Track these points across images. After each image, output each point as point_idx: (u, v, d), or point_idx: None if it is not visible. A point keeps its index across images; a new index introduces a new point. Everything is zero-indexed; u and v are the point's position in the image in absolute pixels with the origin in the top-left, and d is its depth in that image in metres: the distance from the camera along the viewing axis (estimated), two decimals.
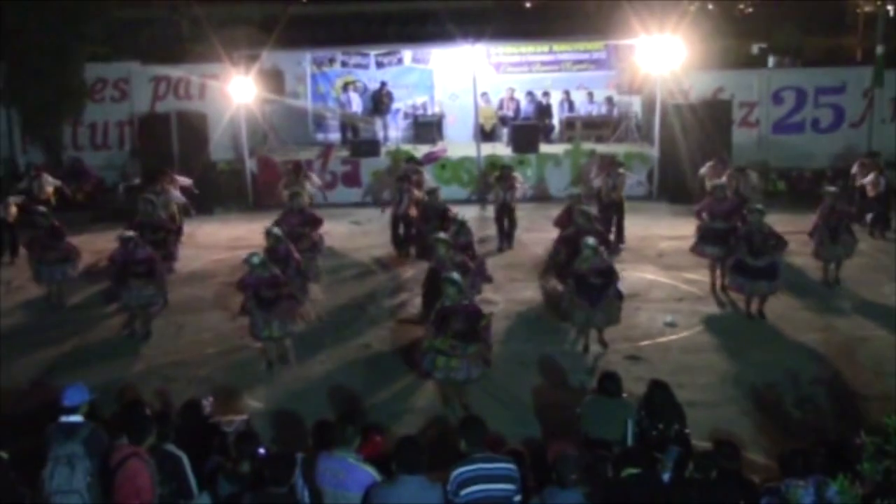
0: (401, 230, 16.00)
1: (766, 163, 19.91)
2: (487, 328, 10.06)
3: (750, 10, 44.09)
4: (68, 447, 6.30)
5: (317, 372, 11.28)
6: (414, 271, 14.80)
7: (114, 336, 12.59)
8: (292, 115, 22.73)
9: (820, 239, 13.71)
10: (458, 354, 9.63)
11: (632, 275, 14.21)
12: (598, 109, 22.54)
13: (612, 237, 15.34)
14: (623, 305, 11.69)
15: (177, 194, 16.25)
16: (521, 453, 6.93)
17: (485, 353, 9.91)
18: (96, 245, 16.00)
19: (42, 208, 14.42)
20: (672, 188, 19.58)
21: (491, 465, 6.10)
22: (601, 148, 20.46)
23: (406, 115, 22.87)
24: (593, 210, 14.59)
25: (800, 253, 14.54)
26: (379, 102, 22.35)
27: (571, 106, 22.46)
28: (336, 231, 17.42)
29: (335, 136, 22.80)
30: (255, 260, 11.10)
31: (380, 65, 23.18)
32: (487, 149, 20.56)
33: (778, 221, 13.02)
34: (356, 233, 17.85)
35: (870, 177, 16.56)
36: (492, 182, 17.12)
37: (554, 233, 14.20)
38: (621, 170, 16.32)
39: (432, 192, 15.01)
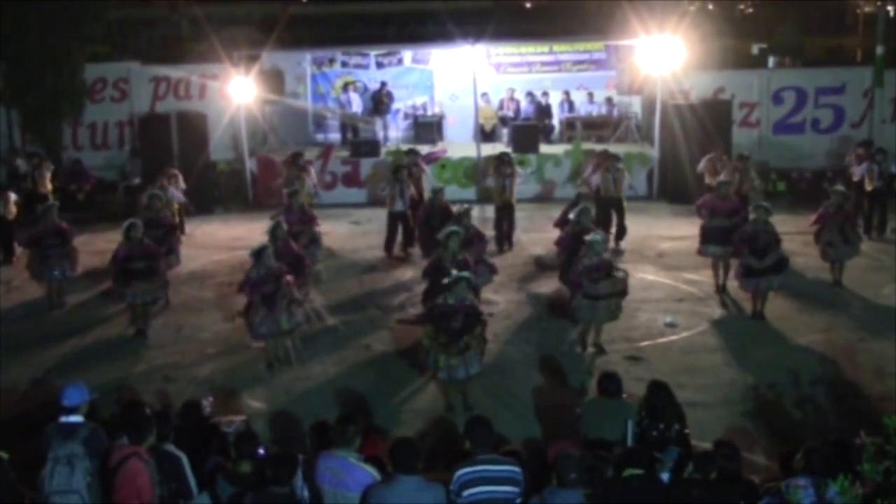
0: (398, 231, 15.96)
1: (767, 163, 19.90)
2: (484, 324, 10.23)
3: (750, 10, 44.16)
4: (68, 447, 6.29)
5: (316, 372, 11.28)
6: (414, 272, 14.79)
7: (114, 336, 12.58)
8: (292, 115, 22.73)
9: (829, 239, 13.67)
10: (454, 352, 9.69)
11: (632, 275, 14.16)
12: (599, 110, 22.55)
13: (611, 237, 15.36)
14: (623, 305, 11.66)
15: (177, 193, 16.25)
16: (518, 453, 6.91)
17: (480, 345, 10.00)
18: (96, 245, 16.00)
19: (51, 202, 14.41)
20: (672, 188, 19.58)
21: (495, 468, 6.10)
22: (601, 148, 20.42)
23: (406, 116, 22.87)
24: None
25: (800, 253, 14.54)
26: (379, 103, 22.34)
27: (571, 106, 22.47)
28: (336, 231, 17.43)
29: (335, 137, 22.80)
30: (258, 248, 11.17)
31: (380, 65, 23.19)
32: (487, 149, 20.52)
33: (778, 222, 12.98)
34: (356, 233, 17.84)
35: (863, 166, 16.54)
36: (490, 171, 16.87)
37: (554, 233, 14.21)
38: (620, 165, 16.30)
39: (437, 192, 14.98)
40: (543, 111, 22.18)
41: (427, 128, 22.06)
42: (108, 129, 21.77)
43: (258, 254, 11.10)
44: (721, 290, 13.69)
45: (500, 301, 13.44)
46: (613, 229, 15.92)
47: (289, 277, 11.22)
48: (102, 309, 13.50)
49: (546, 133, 21.86)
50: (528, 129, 20.94)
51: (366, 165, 20.36)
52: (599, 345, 11.53)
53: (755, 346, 11.71)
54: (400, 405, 10.32)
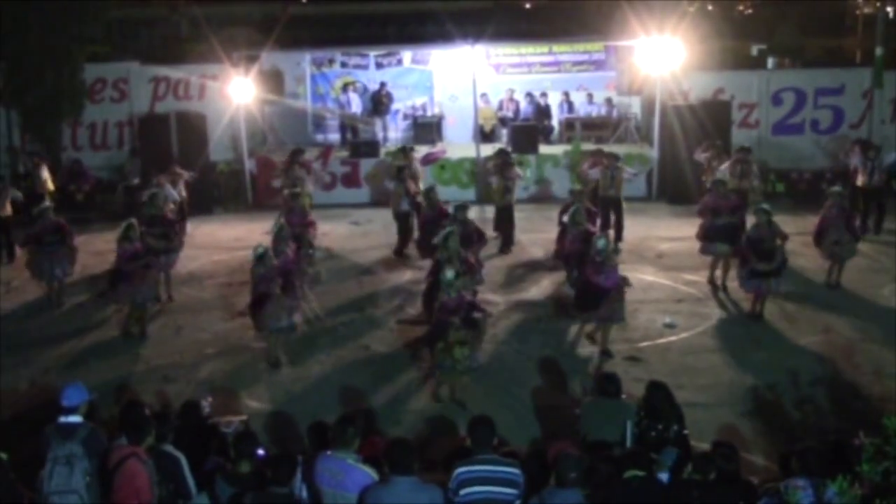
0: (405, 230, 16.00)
1: (766, 164, 19.89)
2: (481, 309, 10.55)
3: (749, 11, 44.14)
4: (67, 447, 6.29)
5: (315, 373, 11.28)
6: (413, 272, 14.80)
7: (113, 336, 12.57)
8: (292, 115, 22.72)
9: (836, 238, 13.66)
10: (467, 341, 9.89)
11: (631, 276, 14.15)
12: (598, 110, 22.55)
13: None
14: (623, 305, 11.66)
15: (172, 192, 16.21)
16: (517, 454, 6.91)
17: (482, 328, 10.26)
18: (96, 245, 16.00)
19: (47, 203, 14.42)
20: (672, 189, 19.59)
21: (494, 468, 6.09)
22: (598, 149, 20.44)
23: (405, 116, 22.87)
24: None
25: (800, 253, 14.55)
26: (378, 103, 22.35)
27: (571, 107, 22.47)
28: (335, 232, 17.44)
29: (335, 137, 22.79)
30: (260, 251, 11.19)
31: (379, 65, 23.19)
32: (487, 150, 20.51)
33: (778, 222, 12.98)
34: (356, 233, 17.84)
35: (857, 158, 16.55)
36: (492, 170, 16.80)
37: (553, 233, 14.25)
38: (620, 163, 16.31)
39: (430, 191, 14.98)
40: (542, 112, 22.18)
41: (426, 128, 22.07)
42: (107, 129, 21.75)
43: (261, 257, 11.14)
44: (722, 288, 13.74)
45: (499, 301, 13.44)
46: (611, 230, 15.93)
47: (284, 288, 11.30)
48: (102, 309, 13.48)
49: (545, 134, 21.87)
50: (528, 129, 20.95)
51: (366, 166, 20.36)
52: (607, 349, 11.51)
53: (754, 347, 11.72)
54: (399, 405, 10.32)
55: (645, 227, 17.27)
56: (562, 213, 13.81)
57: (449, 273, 10.13)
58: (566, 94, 22.46)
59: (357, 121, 22.46)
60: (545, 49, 23.04)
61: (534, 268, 15.18)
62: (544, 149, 20.82)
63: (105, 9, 21.88)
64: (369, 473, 6.03)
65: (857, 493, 5.23)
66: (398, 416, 9.98)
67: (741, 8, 44.41)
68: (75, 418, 6.48)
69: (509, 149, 20.21)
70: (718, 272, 13.95)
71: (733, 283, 13.35)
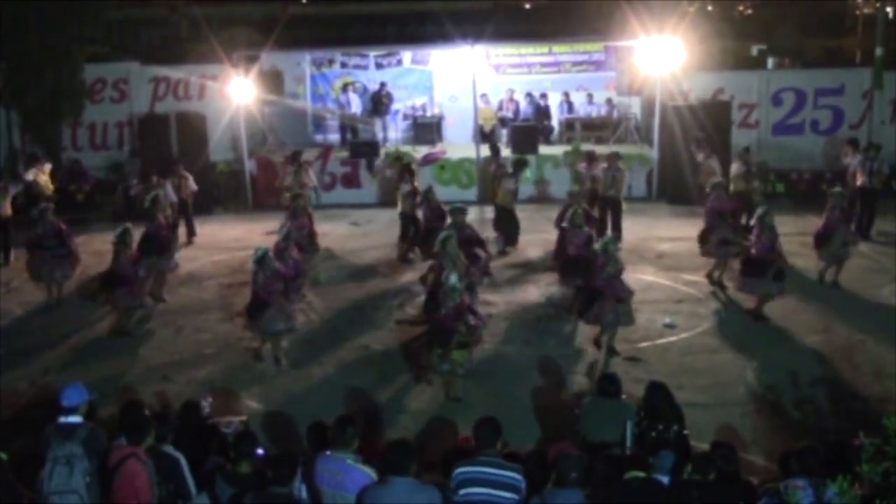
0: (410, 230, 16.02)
1: (766, 164, 19.91)
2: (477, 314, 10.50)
3: (749, 11, 44.17)
4: (67, 447, 6.29)
5: (315, 373, 11.28)
6: (413, 272, 14.80)
7: (113, 336, 12.57)
8: (291, 116, 22.72)
9: (844, 240, 13.67)
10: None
11: (631, 276, 14.17)
12: (598, 111, 22.55)
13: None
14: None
15: (171, 193, 16.22)
16: (517, 455, 6.90)
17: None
18: (95, 246, 16.00)
19: (47, 203, 14.43)
20: (672, 189, 19.59)
21: (495, 471, 6.07)
22: (601, 149, 20.45)
23: (405, 117, 22.87)
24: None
25: (800, 254, 14.54)
26: (378, 103, 22.35)
27: (571, 107, 22.47)
28: (335, 232, 17.43)
29: (334, 137, 22.79)
30: (260, 253, 11.22)
31: (379, 66, 23.19)
32: (487, 150, 20.53)
33: (778, 223, 12.98)
34: (355, 234, 17.84)
35: (857, 159, 16.59)
36: (499, 172, 16.72)
37: (552, 234, 14.23)
38: (621, 164, 16.33)
39: (428, 192, 14.98)
40: (542, 112, 22.18)
41: (426, 129, 22.06)
42: (107, 129, 21.76)
43: (261, 260, 11.17)
44: (720, 287, 13.77)
45: (498, 302, 13.44)
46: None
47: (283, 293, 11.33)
48: (101, 309, 13.48)
49: (545, 134, 21.87)
50: (528, 130, 20.94)
51: (365, 166, 20.34)
52: (612, 347, 11.51)
53: (754, 347, 11.71)
54: (399, 406, 10.31)
55: (645, 228, 17.27)
56: (560, 217, 13.80)
57: (453, 278, 10.10)
58: (566, 95, 22.46)
59: (357, 121, 22.46)
60: (545, 49, 23.04)
61: (534, 268, 15.18)
62: (544, 149, 20.81)
63: (105, 9, 21.90)
64: (369, 473, 6.03)
65: (856, 493, 5.23)
66: (398, 417, 9.97)
67: (741, 8, 44.45)
68: (75, 418, 6.48)
69: (509, 150, 20.28)
70: (717, 272, 13.96)
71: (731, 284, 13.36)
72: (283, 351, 11.47)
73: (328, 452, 6.22)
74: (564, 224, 13.29)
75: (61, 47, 20.00)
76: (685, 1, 28.68)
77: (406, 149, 21.17)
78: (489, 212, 17.31)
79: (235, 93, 19.64)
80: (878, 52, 19.96)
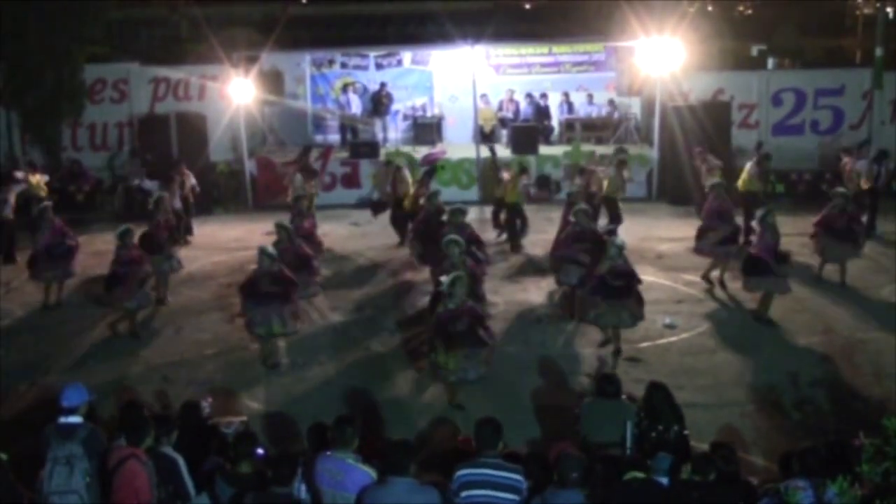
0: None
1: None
2: (488, 329, 10.14)
3: (749, 11, 44.17)
4: (67, 448, 6.29)
5: (315, 373, 11.27)
6: (413, 273, 14.80)
7: (113, 336, 12.57)
8: (292, 116, 22.74)
9: (865, 240, 13.84)
10: (462, 355, 9.71)
11: None
12: (598, 111, 22.55)
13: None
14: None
15: (177, 197, 16.23)
16: (518, 455, 6.90)
17: (488, 356, 9.95)
18: (95, 246, 16.00)
19: (46, 203, 14.43)
20: (672, 189, 19.59)
21: (497, 473, 6.06)
22: (601, 149, 20.48)
23: (405, 117, 22.87)
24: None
25: (799, 253, 14.54)
26: (378, 104, 22.35)
27: (571, 107, 22.47)
28: (335, 233, 17.44)
29: (334, 138, 22.79)
30: (270, 250, 11.27)
31: (379, 66, 23.18)
32: (487, 150, 20.55)
33: (778, 223, 12.97)
34: (356, 234, 17.84)
35: (861, 162, 16.62)
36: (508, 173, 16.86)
37: (551, 234, 14.23)
38: (626, 172, 16.42)
39: (433, 196, 14.97)
40: (542, 112, 22.18)
41: (426, 129, 22.08)
42: (107, 129, 21.76)
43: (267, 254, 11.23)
44: (720, 285, 13.78)
45: (499, 302, 13.44)
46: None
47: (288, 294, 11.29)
48: (102, 309, 13.48)
49: (545, 134, 21.87)
50: (528, 130, 20.95)
51: (365, 166, 20.35)
52: (618, 348, 11.50)
53: (754, 348, 11.71)
54: (399, 406, 10.32)
55: (645, 228, 17.28)
56: (567, 213, 13.79)
57: (444, 280, 10.04)
58: (566, 95, 22.46)
59: (357, 121, 22.46)
60: (545, 50, 23.03)
61: (534, 268, 15.18)
62: (544, 149, 20.81)
63: (105, 9, 21.90)
64: (369, 473, 6.03)
65: (857, 493, 5.22)
66: (398, 417, 9.97)
67: (741, 8, 44.46)
68: (75, 419, 6.48)
69: (509, 150, 20.30)
70: (716, 273, 13.96)
71: (735, 284, 13.34)
72: (278, 352, 11.45)
73: (328, 452, 6.22)
74: (572, 217, 13.22)
75: (61, 47, 20.00)
76: (685, 1, 28.70)
77: (406, 149, 21.17)
78: (489, 212, 17.32)
79: (235, 93, 19.64)
80: (878, 52, 19.97)
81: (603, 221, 15.94)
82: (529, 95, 22.49)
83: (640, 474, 6.20)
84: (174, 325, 12.97)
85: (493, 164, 17.13)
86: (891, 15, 28.94)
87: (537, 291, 14.05)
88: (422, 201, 15.41)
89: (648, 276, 14.49)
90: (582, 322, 12.09)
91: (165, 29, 34.50)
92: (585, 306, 11.73)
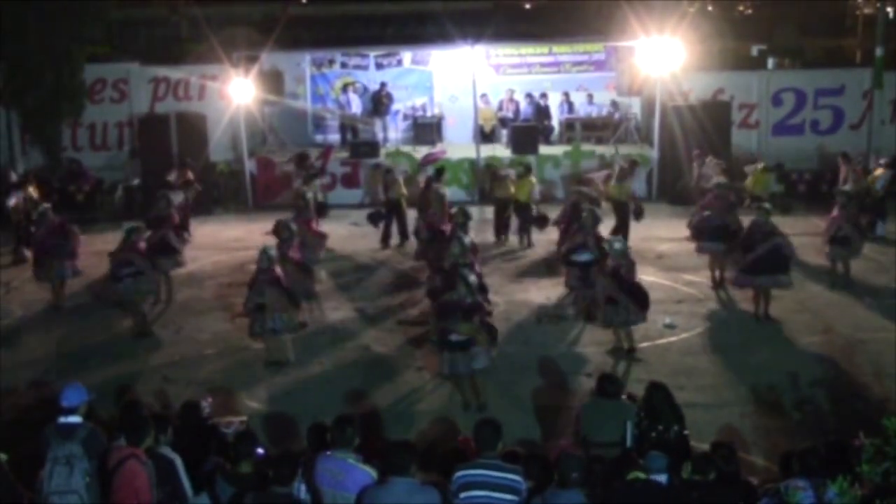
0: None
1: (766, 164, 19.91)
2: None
3: (749, 11, 44.17)
4: (67, 448, 6.28)
5: (315, 373, 11.27)
6: (412, 273, 14.81)
7: (113, 336, 12.58)
8: (292, 116, 22.73)
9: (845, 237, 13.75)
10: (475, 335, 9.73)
11: None
12: (598, 111, 22.54)
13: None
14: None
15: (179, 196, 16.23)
16: (518, 455, 6.90)
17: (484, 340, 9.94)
18: (96, 245, 15.97)
19: (46, 206, 14.44)
20: (671, 190, 19.59)
21: (495, 474, 6.04)
22: (601, 149, 20.48)
23: (405, 117, 22.86)
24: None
25: (800, 254, 14.52)
26: (378, 104, 22.34)
27: (571, 107, 22.46)
28: (335, 232, 17.39)
29: (335, 138, 22.77)
30: (272, 252, 11.26)
31: (379, 66, 23.17)
32: (487, 150, 20.56)
33: (778, 223, 12.98)
34: (356, 234, 17.83)
35: (887, 173, 16.66)
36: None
37: (551, 234, 14.23)
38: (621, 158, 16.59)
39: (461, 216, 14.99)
40: (542, 112, 22.17)
41: (426, 129, 22.06)
42: (107, 129, 21.77)
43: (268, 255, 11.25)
44: (720, 285, 13.78)
45: (499, 302, 13.43)
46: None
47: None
48: (102, 309, 13.50)
49: (545, 134, 21.86)
50: (528, 130, 20.94)
51: (365, 166, 20.35)
52: (620, 347, 11.49)
53: (754, 348, 11.72)
54: (399, 406, 10.32)
55: (645, 228, 17.20)
56: (571, 214, 13.78)
57: (472, 277, 10.07)
58: (566, 95, 22.44)
59: (357, 121, 22.45)
60: (545, 49, 23.01)
61: (534, 268, 15.17)
62: (544, 149, 20.80)
63: (105, 9, 21.92)
64: (370, 473, 6.03)
65: (857, 493, 5.22)
66: (398, 417, 9.97)
67: (741, 8, 44.47)
68: (75, 419, 6.47)
69: (509, 150, 20.30)
70: (716, 272, 13.98)
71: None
72: (287, 349, 11.46)
73: (329, 452, 6.22)
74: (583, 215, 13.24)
75: (61, 47, 20.01)
76: (685, 1, 28.70)
77: (406, 149, 21.17)
78: (489, 212, 17.32)
79: (235, 93, 19.65)
80: (879, 51, 19.99)
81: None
82: (529, 95, 22.48)
83: (642, 474, 6.19)
84: (174, 325, 12.97)
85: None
86: (891, 15, 28.94)
87: (537, 291, 14.05)
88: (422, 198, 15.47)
89: (648, 276, 14.50)
90: (591, 323, 12.09)
91: (165, 29, 34.47)
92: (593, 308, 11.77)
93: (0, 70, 20.28)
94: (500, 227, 16.92)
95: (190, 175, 17.28)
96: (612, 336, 11.68)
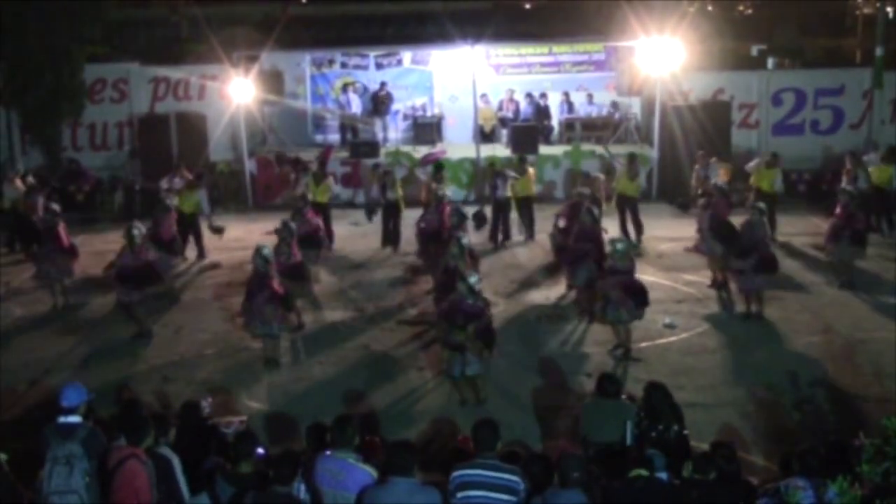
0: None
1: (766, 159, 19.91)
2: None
3: (749, 11, 44.16)
4: (66, 448, 6.28)
5: (315, 373, 11.27)
6: (412, 273, 14.80)
7: (113, 336, 12.57)
8: (291, 116, 22.74)
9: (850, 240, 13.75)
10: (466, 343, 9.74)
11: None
12: (598, 111, 22.54)
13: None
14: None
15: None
16: (517, 455, 6.90)
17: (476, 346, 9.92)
18: (95, 245, 16.00)
19: (54, 205, 14.42)
20: (672, 189, 19.58)
21: (493, 474, 6.03)
22: (601, 149, 20.45)
23: (405, 117, 22.87)
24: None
25: (799, 254, 14.54)
26: (378, 103, 22.35)
27: (571, 107, 22.46)
28: (335, 233, 17.39)
29: (334, 137, 22.79)
30: (266, 252, 11.23)
31: (379, 66, 23.18)
32: (487, 150, 20.55)
33: (778, 223, 13.00)
34: (356, 234, 17.83)
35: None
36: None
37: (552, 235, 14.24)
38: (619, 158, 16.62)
39: (441, 200, 14.98)
40: (542, 112, 22.17)
41: (426, 129, 22.06)
42: (107, 129, 21.77)
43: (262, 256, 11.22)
44: (722, 285, 13.77)
45: (499, 303, 13.42)
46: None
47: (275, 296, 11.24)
48: (102, 309, 13.50)
49: (545, 134, 21.86)
50: (528, 130, 20.95)
51: (365, 166, 20.33)
52: (628, 348, 11.47)
53: (754, 348, 11.71)
54: (399, 406, 10.32)
55: (645, 228, 17.24)
56: (573, 212, 13.79)
57: (472, 278, 10.09)
58: (566, 95, 22.44)
59: (357, 121, 22.46)
60: (545, 49, 23.02)
61: (534, 268, 15.17)
62: (544, 149, 20.81)
63: (105, 9, 21.91)
64: (370, 473, 6.03)
65: (857, 493, 5.22)
66: (398, 417, 9.97)
67: (741, 8, 44.45)
68: (74, 418, 6.47)
69: (509, 150, 20.31)
70: (717, 273, 13.98)
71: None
72: (277, 351, 11.46)
73: (329, 452, 6.22)
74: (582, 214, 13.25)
75: (61, 47, 20.01)
76: (685, 1, 28.70)
77: (406, 149, 21.17)
78: (488, 212, 17.31)
79: (235, 93, 19.65)
80: (879, 51, 19.99)
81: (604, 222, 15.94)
82: (529, 95, 22.48)
83: (644, 472, 6.19)
84: (174, 325, 12.96)
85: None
86: (891, 15, 28.94)
87: (537, 291, 14.05)
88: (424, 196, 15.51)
89: (648, 276, 14.50)
90: (593, 320, 12.09)
91: (165, 29, 34.46)
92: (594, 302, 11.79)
93: (0, 70, 20.28)
94: (497, 230, 16.84)
95: (189, 175, 17.23)
96: (612, 336, 11.67)
